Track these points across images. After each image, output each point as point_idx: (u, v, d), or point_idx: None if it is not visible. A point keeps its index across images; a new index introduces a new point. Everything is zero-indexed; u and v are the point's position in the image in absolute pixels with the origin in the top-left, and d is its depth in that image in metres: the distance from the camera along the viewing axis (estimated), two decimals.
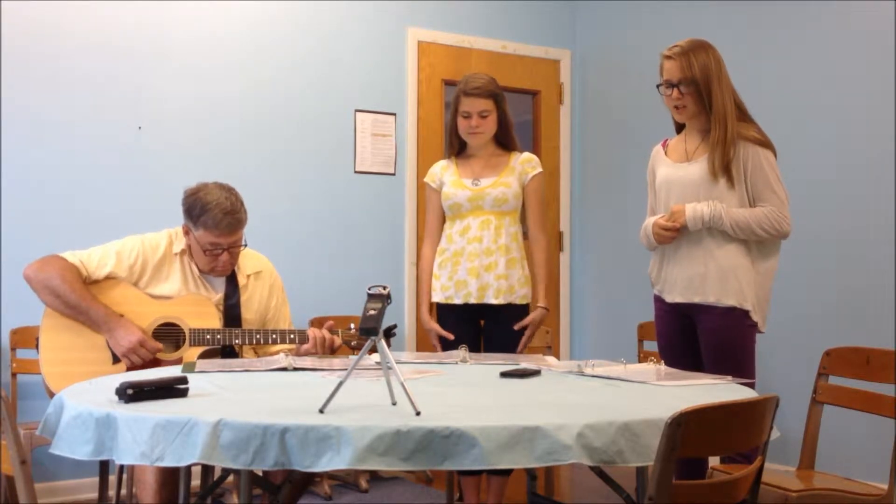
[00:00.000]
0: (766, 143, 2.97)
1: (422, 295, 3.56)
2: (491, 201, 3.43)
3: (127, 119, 4.28)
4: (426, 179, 3.58)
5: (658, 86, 3.04)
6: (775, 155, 3.00)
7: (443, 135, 4.97)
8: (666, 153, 3.15)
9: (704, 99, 2.96)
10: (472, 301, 3.42)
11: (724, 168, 2.92)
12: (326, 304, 4.51)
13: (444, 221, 3.54)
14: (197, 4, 4.46)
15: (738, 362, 2.89)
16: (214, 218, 2.90)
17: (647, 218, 3.17)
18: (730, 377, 2.41)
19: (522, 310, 3.48)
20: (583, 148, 5.57)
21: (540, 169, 3.53)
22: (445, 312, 3.48)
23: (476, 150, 3.51)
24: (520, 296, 3.46)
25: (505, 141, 3.53)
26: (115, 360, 2.87)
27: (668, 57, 3.00)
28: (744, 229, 2.92)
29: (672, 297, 3.05)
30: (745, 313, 2.94)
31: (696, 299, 2.99)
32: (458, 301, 3.43)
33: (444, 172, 3.52)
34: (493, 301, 3.42)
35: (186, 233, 3.00)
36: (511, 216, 3.48)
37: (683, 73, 2.96)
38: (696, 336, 3.04)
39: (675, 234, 2.99)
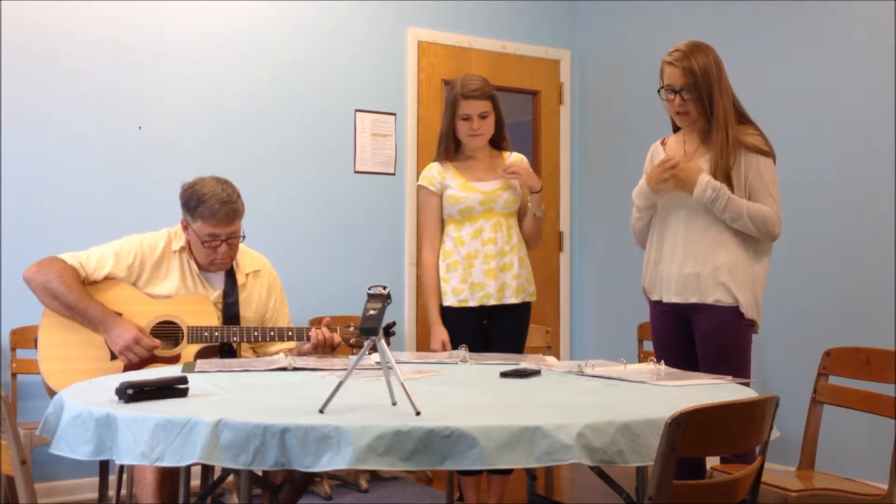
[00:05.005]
0: (766, 152, 2.97)
1: (431, 301, 3.46)
2: (503, 203, 3.45)
3: (127, 119, 4.28)
4: (423, 183, 3.51)
5: (659, 90, 3.04)
6: (775, 162, 3.00)
7: None
8: (665, 153, 3.15)
9: (706, 103, 2.95)
10: (492, 302, 3.40)
11: (724, 175, 2.92)
12: (326, 304, 4.50)
13: (443, 224, 3.53)
14: (197, 4, 4.46)
15: (735, 363, 2.88)
16: (211, 208, 2.92)
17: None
18: (729, 377, 2.41)
19: (529, 307, 3.53)
20: (583, 148, 5.57)
21: None
22: (457, 315, 3.44)
23: (473, 152, 3.51)
24: (530, 293, 3.51)
25: (498, 140, 3.53)
26: (114, 356, 2.88)
27: (670, 63, 2.97)
28: (734, 218, 2.90)
29: (668, 297, 3.04)
30: (742, 313, 2.94)
31: (693, 299, 2.98)
32: (473, 304, 3.42)
33: (445, 175, 3.48)
34: (513, 300, 3.43)
35: (185, 227, 3.02)
36: (515, 217, 3.52)
37: (686, 80, 2.93)
38: (692, 337, 3.04)
39: (670, 172, 2.96)
